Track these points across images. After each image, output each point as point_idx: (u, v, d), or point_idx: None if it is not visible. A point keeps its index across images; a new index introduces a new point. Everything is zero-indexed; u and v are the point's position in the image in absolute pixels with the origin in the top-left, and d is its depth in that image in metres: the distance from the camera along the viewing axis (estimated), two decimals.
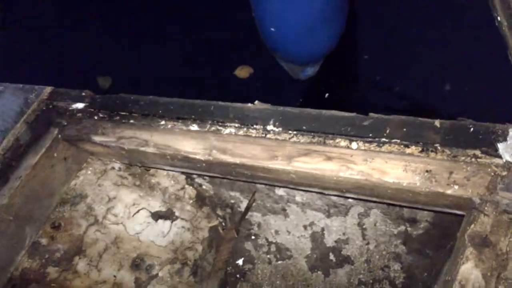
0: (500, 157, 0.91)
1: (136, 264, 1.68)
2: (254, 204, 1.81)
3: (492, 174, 0.92)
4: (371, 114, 1.09)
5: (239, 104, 1.22)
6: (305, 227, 1.81)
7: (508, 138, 0.92)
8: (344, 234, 1.76)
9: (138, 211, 1.66)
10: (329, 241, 1.80)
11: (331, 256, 1.82)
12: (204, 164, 1.21)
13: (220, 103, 1.24)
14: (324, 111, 1.13)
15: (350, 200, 1.58)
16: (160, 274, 1.75)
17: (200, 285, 1.88)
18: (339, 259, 1.81)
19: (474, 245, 0.87)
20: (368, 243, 1.74)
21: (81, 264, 1.53)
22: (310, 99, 2.50)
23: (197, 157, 1.18)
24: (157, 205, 1.71)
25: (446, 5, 2.51)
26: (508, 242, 0.86)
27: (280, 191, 1.67)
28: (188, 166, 1.27)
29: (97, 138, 1.31)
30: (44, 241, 1.44)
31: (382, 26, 2.53)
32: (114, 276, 1.62)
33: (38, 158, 1.34)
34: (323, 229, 1.78)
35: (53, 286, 1.47)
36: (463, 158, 0.96)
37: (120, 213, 1.61)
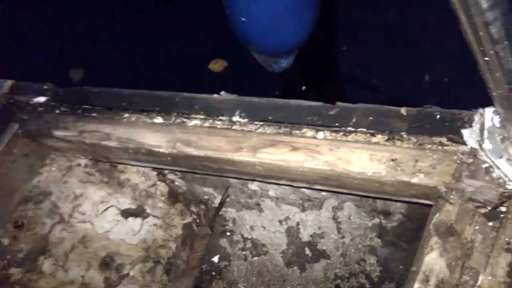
0: (465, 144, 0.89)
1: (106, 264, 1.63)
2: (228, 199, 1.78)
3: (458, 161, 0.90)
4: (338, 103, 1.06)
5: (204, 95, 1.19)
6: (280, 222, 1.78)
7: (473, 125, 0.90)
8: (319, 228, 1.73)
9: (106, 209, 1.61)
10: (305, 235, 1.78)
11: (307, 251, 1.80)
12: (169, 158, 1.17)
13: (185, 94, 1.20)
14: (291, 101, 1.10)
15: (323, 193, 1.56)
16: (131, 273, 1.70)
17: (174, 284, 1.84)
18: (315, 254, 1.79)
19: (439, 234, 0.86)
20: (343, 237, 1.72)
21: (46, 264, 1.48)
22: (287, 92, 2.48)
23: (161, 150, 1.14)
24: (127, 203, 1.66)
25: None
26: (473, 231, 0.84)
27: (253, 186, 1.64)
28: (153, 160, 1.23)
29: (58, 133, 1.26)
30: (5, 241, 1.39)
31: (360, 17, 2.51)
32: (82, 276, 1.57)
33: None
34: (298, 224, 1.76)
35: (17, 287, 1.41)
36: (429, 146, 0.94)
37: (87, 211, 1.56)
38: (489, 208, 0.85)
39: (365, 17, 2.46)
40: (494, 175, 0.85)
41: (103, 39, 2.86)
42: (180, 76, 2.67)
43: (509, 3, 0.50)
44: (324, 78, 2.51)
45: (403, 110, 0.99)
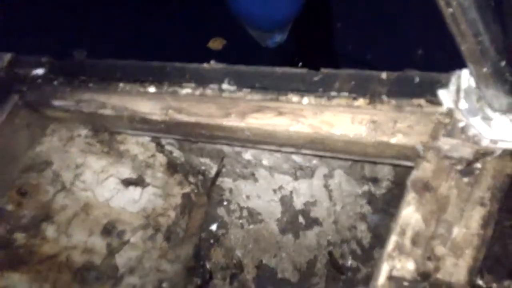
0: (441, 104, 0.93)
1: (107, 230, 1.70)
2: (224, 170, 1.83)
3: (436, 121, 0.94)
4: (322, 70, 1.10)
5: (195, 65, 1.23)
6: (274, 191, 1.84)
7: (450, 86, 0.93)
8: (311, 196, 1.79)
9: (107, 178, 1.66)
10: (298, 204, 1.83)
11: (300, 219, 1.86)
12: (162, 125, 1.22)
13: (177, 64, 1.24)
14: (277, 68, 1.14)
15: (314, 161, 1.61)
16: (132, 240, 1.77)
17: (174, 251, 1.91)
18: (308, 221, 1.85)
19: (416, 190, 0.90)
20: (334, 204, 1.77)
21: (49, 230, 1.55)
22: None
23: (154, 117, 1.18)
24: (127, 172, 1.71)
25: None
26: (448, 186, 0.89)
27: (247, 155, 1.69)
28: (148, 128, 1.28)
29: (56, 103, 1.31)
30: (10, 207, 1.45)
31: None
32: (85, 242, 1.64)
33: None
34: (291, 192, 1.82)
35: (21, 251, 1.49)
36: (408, 108, 0.98)
37: (88, 180, 1.62)
38: (465, 164, 0.89)
39: None
40: (469, 133, 0.89)
41: (102, 17, 2.88)
42: (180, 54, 2.68)
43: None
44: (319, 53, 2.52)
45: (383, 75, 1.02)
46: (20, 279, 1.49)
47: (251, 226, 1.96)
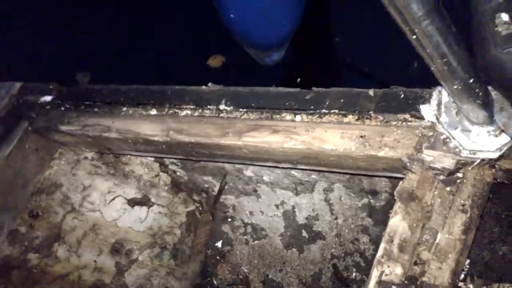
0: (423, 118, 0.99)
1: (116, 249, 1.76)
2: (226, 187, 1.89)
3: (420, 135, 0.99)
4: (314, 88, 1.16)
5: (194, 87, 1.30)
6: (276, 206, 1.88)
7: (431, 101, 0.99)
8: (313, 210, 1.83)
9: (114, 199, 1.73)
10: (300, 218, 1.88)
11: (304, 233, 1.90)
12: (164, 146, 1.28)
13: (176, 87, 1.32)
14: (271, 89, 1.21)
15: (313, 176, 1.66)
16: (140, 258, 1.82)
17: (181, 268, 1.96)
18: (311, 235, 1.89)
19: (402, 200, 0.95)
20: (336, 218, 1.82)
21: (60, 251, 1.61)
22: (283, 84, 2.57)
23: (156, 138, 1.25)
24: (132, 192, 1.78)
25: None
26: (432, 195, 0.94)
27: (248, 172, 1.75)
28: (151, 149, 1.34)
29: (63, 128, 1.38)
30: (23, 229, 1.52)
31: (351, 7, 2.59)
32: (95, 261, 1.70)
33: (10, 150, 1.41)
34: (293, 207, 1.86)
35: (35, 271, 1.55)
36: (394, 122, 1.04)
37: (96, 201, 1.69)
38: (447, 174, 0.94)
39: (355, 7, 2.53)
40: (450, 145, 0.94)
41: (102, 39, 2.98)
42: (180, 72, 2.77)
43: None
44: (317, 68, 2.59)
45: (370, 92, 1.08)
46: None
47: (256, 242, 2.00)
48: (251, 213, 1.95)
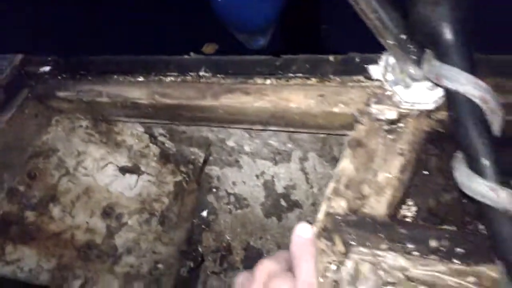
0: (372, 78, 1.14)
1: (107, 213, 1.90)
2: (211, 158, 2.03)
3: (370, 93, 1.14)
4: (283, 56, 1.31)
5: (177, 57, 1.44)
6: (257, 176, 2.03)
7: (379, 62, 1.14)
8: (290, 180, 1.98)
9: (106, 165, 1.87)
10: (279, 188, 2.02)
11: (282, 202, 2.05)
12: (150, 109, 1.43)
13: (162, 57, 1.46)
14: (246, 57, 1.35)
15: (289, 145, 1.80)
16: (129, 222, 1.97)
17: (168, 234, 2.11)
18: (289, 204, 2.04)
19: (351, 147, 1.10)
20: (312, 187, 1.96)
21: (55, 211, 1.75)
22: None
23: (142, 101, 1.40)
24: (123, 161, 1.92)
25: None
26: (377, 142, 1.08)
27: (230, 142, 1.89)
28: (139, 113, 1.49)
29: (60, 94, 1.53)
30: (21, 188, 1.66)
31: None
32: (87, 223, 1.84)
33: (11, 115, 1.56)
34: (273, 177, 2.01)
35: (31, 228, 1.69)
36: (350, 83, 1.19)
37: (89, 166, 1.83)
38: (390, 124, 1.09)
39: None
40: (394, 99, 1.09)
41: (99, 26, 3.12)
42: None
43: None
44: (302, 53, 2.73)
45: (331, 57, 1.23)
46: (30, 253, 1.69)
47: (238, 211, 2.15)
48: (234, 183, 2.10)
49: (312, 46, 2.76)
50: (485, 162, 0.79)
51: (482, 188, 0.77)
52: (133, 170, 1.97)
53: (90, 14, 3.29)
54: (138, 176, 1.99)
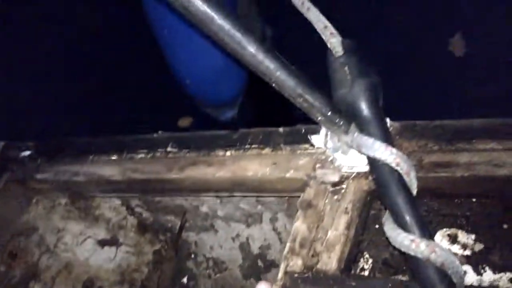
0: (315, 146, 1.29)
1: (87, 286, 1.95)
2: (187, 224, 2.13)
3: (316, 159, 1.29)
4: (240, 130, 1.47)
5: (147, 135, 1.59)
6: (233, 239, 2.12)
7: (320, 132, 1.30)
8: (265, 240, 2.08)
9: (85, 240, 1.95)
10: (255, 249, 2.11)
11: (259, 262, 2.13)
12: (122, 184, 1.55)
13: (133, 136, 1.61)
14: (207, 132, 1.51)
15: (259, 207, 1.92)
16: None
17: None
18: (266, 264, 2.12)
19: (302, 208, 1.22)
20: (285, 246, 2.05)
21: None
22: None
23: (115, 178, 1.52)
24: (102, 234, 2.00)
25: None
26: (324, 203, 1.21)
27: (204, 208, 2.01)
28: (113, 188, 1.61)
29: (39, 176, 1.65)
30: (2, 268, 1.72)
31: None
32: None
33: None
34: (247, 239, 2.10)
35: None
36: (298, 151, 1.33)
37: (69, 242, 1.90)
38: (334, 186, 1.23)
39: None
40: (335, 164, 1.24)
41: (75, 102, 3.30)
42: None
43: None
44: (272, 120, 2.92)
45: (280, 129, 1.39)
46: None
47: (218, 275, 2.21)
48: (211, 247, 2.18)
49: (282, 112, 2.95)
50: (407, 217, 0.92)
51: (405, 240, 0.89)
52: (112, 242, 2.05)
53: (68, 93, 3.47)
54: (117, 248, 2.06)
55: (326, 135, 1.28)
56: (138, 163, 1.53)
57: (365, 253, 1.37)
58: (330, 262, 1.11)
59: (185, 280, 2.26)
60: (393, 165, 0.96)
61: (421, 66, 2.80)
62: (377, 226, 1.40)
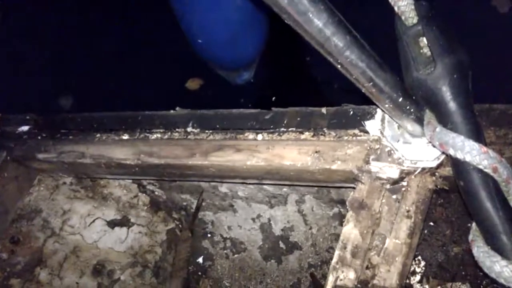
0: (369, 133, 1.07)
1: (98, 270, 1.80)
2: (204, 203, 1.95)
3: (368, 148, 1.08)
4: (273, 109, 1.24)
5: (163, 112, 1.37)
6: (253, 219, 1.95)
7: (376, 116, 1.08)
8: (288, 222, 1.91)
9: (93, 221, 1.78)
10: (277, 230, 1.95)
11: (281, 244, 1.97)
12: (136, 169, 1.35)
13: (146, 112, 1.39)
14: (234, 110, 1.29)
15: (284, 189, 1.73)
16: (122, 277, 1.87)
17: (164, 286, 2.01)
18: (288, 246, 1.96)
19: (353, 209, 1.03)
20: (310, 228, 1.89)
21: (42, 274, 1.65)
22: (260, 103, 2.67)
23: (128, 162, 1.32)
24: (112, 214, 1.84)
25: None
26: (380, 203, 1.02)
27: (223, 188, 1.82)
28: (125, 172, 1.41)
29: (40, 156, 1.44)
30: (4, 255, 1.56)
31: None
32: (77, 283, 1.74)
33: None
34: (269, 220, 1.93)
35: None
36: (345, 137, 1.12)
37: (76, 224, 1.74)
38: (392, 183, 1.03)
39: None
40: (395, 156, 1.03)
41: (86, 61, 3.06)
42: (159, 95, 2.85)
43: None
44: (288, 85, 2.68)
45: (323, 110, 1.17)
46: None
47: (236, 256, 2.06)
48: (229, 227, 2.02)
49: (297, 77, 2.72)
50: (505, 239, 0.72)
51: (505, 271, 0.70)
52: (123, 222, 1.88)
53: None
54: (128, 228, 1.90)
55: (383, 119, 1.06)
56: (153, 145, 1.32)
57: (417, 253, 1.20)
58: (389, 277, 0.93)
59: (200, 260, 2.12)
60: (489, 171, 0.75)
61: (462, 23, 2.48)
62: (431, 223, 1.22)
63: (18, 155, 1.50)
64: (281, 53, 2.75)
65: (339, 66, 0.74)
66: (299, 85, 2.67)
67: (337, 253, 1.00)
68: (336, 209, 1.77)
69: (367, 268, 0.95)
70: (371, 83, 0.78)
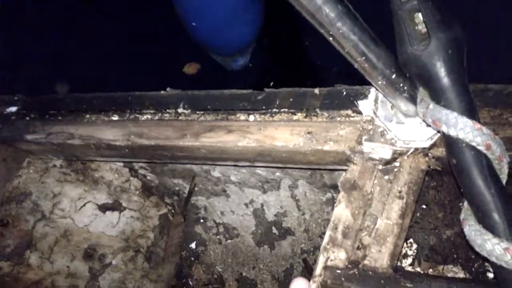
0: (362, 113, 1.06)
1: (89, 255, 1.79)
2: (196, 188, 1.94)
3: (360, 129, 1.06)
4: (265, 89, 1.22)
5: (153, 93, 1.35)
6: (246, 205, 1.94)
7: (369, 96, 1.06)
8: (281, 207, 1.89)
9: (84, 205, 1.76)
10: (270, 215, 1.94)
11: (274, 230, 1.96)
12: (126, 150, 1.33)
13: (137, 93, 1.37)
14: (225, 91, 1.27)
15: (277, 174, 1.72)
16: (113, 262, 1.86)
17: (156, 271, 2.00)
18: (281, 232, 1.95)
19: (345, 189, 1.02)
20: (303, 213, 1.88)
21: (33, 258, 1.64)
22: (256, 88, 2.64)
23: (118, 143, 1.30)
24: (103, 198, 1.82)
25: None
26: (372, 184, 1.00)
27: (215, 173, 1.80)
28: (115, 154, 1.39)
29: (29, 137, 1.42)
30: None
31: None
32: (68, 267, 1.73)
33: None
34: (262, 205, 1.92)
35: (7, 279, 1.57)
36: (338, 118, 1.10)
37: (66, 208, 1.72)
38: (385, 164, 1.01)
39: None
40: (387, 136, 1.01)
41: (83, 47, 3.02)
42: (156, 79, 2.82)
43: None
44: (285, 70, 2.66)
45: (316, 90, 1.15)
46: None
47: (229, 241, 2.05)
48: (222, 213, 2.01)
49: (293, 62, 2.69)
50: (496, 217, 0.71)
51: (496, 249, 0.69)
52: (114, 206, 1.86)
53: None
54: (120, 213, 1.88)
55: (376, 100, 1.04)
56: (144, 126, 1.30)
57: (408, 236, 1.19)
58: (380, 257, 0.92)
59: (193, 245, 2.10)
60: (482, 148, 0.73)
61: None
62: (424, 206, 1.21)
63: (6, 136, 1.47)
64: (277, 38, 2.73)
65: (331, 38, 0.72)
66: (295, 70, 2.65)
67: (328, 233, 0.98)
68: (329, 194, 1.76)
69: (358, 248, 0.94)
70: (363, 58, 0.76)
